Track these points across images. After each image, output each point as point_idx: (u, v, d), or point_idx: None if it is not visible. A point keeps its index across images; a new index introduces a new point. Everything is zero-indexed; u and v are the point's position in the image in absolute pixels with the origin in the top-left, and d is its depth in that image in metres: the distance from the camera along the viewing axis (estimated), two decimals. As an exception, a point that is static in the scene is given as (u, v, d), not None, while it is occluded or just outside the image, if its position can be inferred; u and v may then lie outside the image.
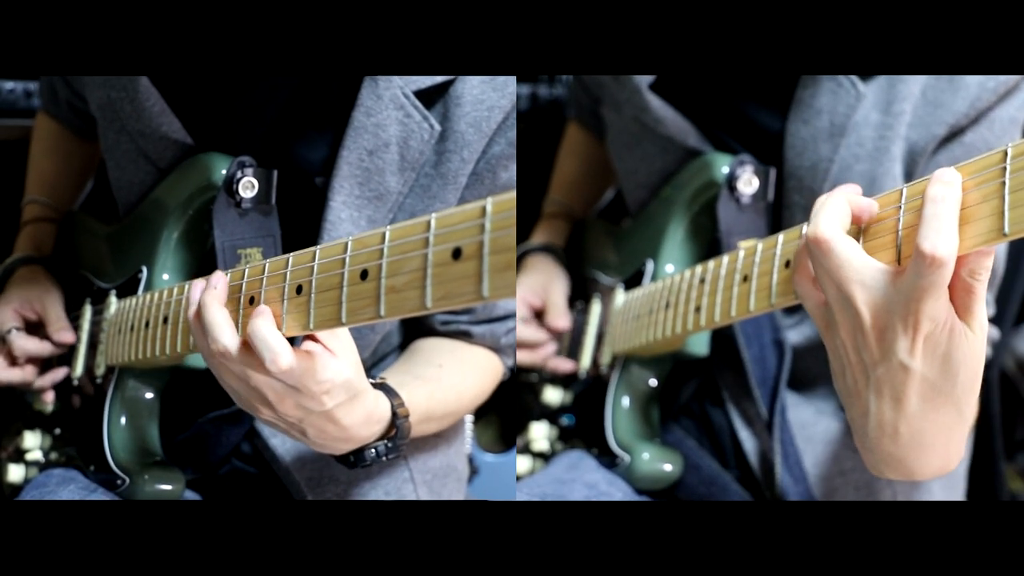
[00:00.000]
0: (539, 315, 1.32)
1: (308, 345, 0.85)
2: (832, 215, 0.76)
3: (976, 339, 0.74)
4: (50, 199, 1.30)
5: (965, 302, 0.73)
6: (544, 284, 1.33)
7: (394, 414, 0.95)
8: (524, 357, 1.29)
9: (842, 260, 0.75)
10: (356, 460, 0.96)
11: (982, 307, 0.73)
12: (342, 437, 0.91)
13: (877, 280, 0.74)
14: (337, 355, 0.86)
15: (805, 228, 0.81)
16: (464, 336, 1.15)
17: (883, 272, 0.74)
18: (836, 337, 0.78)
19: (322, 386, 0.85)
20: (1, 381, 1.14)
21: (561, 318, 1.30)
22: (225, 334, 0.84)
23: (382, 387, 0.96)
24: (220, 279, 0.87)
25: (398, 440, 0.96)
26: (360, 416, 0.90)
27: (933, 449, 0.79)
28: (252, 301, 0.86)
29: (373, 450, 0.95)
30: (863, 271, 0.74)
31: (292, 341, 0.85)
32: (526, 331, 1.29)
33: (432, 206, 1.05)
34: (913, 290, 0.71)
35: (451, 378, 1.11)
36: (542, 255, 1.37)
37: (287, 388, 0.84)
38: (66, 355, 1.15)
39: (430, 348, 1.15)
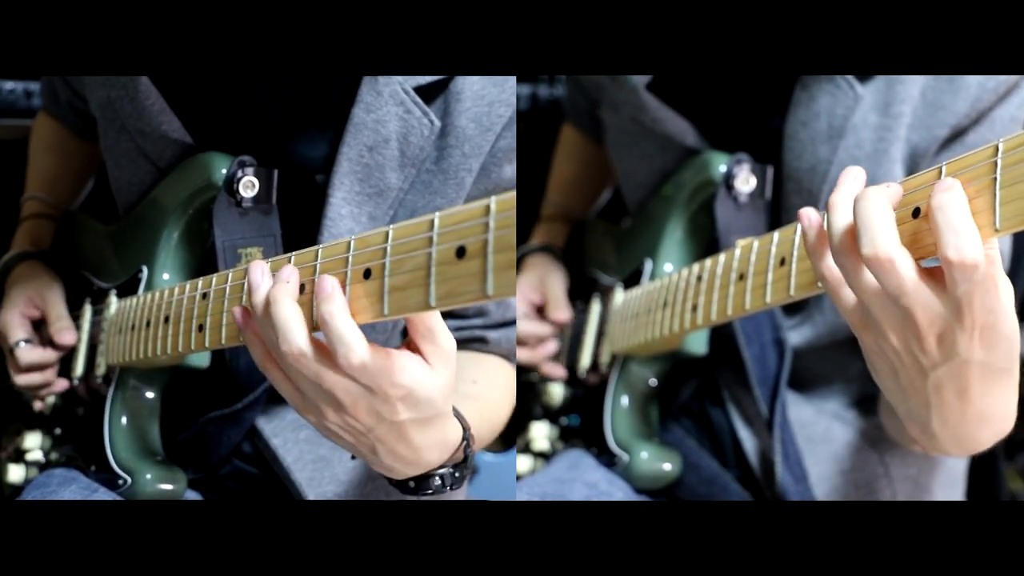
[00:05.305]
0: (540, 311, 1.32)
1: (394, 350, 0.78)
2: (890, 228, 0.70)
3: (1011, 301, 0.72)
4: (49, 196, 1.29)
5: (990, 272, 0.70)
6: (541, 278, 1.33)
7: (466, 441, 0.87)
8: (523, 355, 1.29)
9: (903, 280, 0.70)
10: (418, 487, 0.87)
11: (1000, 267, 0.71)
12: (411, 460, 0.83)
13: (932, 297, 0.70)
14: (433, 368, 0.78)
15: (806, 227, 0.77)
16: (479, 342, 1.13)
17: (936, 287, 0.70)
18: (883, 341, 0.75)
19: (398, 390, 0.77)
20: (22, 385, 1.14)
21: (562, 311, 1.29)
22: (301, 334, 0.76)
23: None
24: (292, 273, 0.78)
25: (465, 469, 0.88)
26: (435, 439, 0.83)
27: (996, 419, 0.79)
28: None
29: (438, 478, 0.86)
30: (922, 290, 0.70)
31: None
32: (528, 327, 1.29)
33: (433, 202, 1.05)
34: (958, 297, 0.69)
35: (489, 394, 1.06)
36: (540, 255, 1.37)
37: (362, 389, 0.76)
38: (66, 356, 1.15)
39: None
